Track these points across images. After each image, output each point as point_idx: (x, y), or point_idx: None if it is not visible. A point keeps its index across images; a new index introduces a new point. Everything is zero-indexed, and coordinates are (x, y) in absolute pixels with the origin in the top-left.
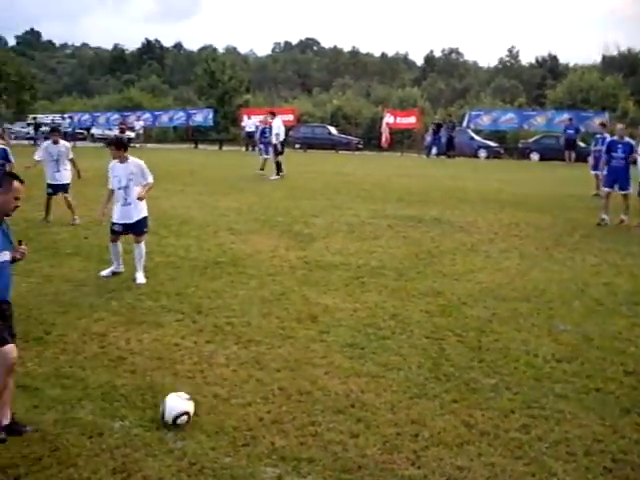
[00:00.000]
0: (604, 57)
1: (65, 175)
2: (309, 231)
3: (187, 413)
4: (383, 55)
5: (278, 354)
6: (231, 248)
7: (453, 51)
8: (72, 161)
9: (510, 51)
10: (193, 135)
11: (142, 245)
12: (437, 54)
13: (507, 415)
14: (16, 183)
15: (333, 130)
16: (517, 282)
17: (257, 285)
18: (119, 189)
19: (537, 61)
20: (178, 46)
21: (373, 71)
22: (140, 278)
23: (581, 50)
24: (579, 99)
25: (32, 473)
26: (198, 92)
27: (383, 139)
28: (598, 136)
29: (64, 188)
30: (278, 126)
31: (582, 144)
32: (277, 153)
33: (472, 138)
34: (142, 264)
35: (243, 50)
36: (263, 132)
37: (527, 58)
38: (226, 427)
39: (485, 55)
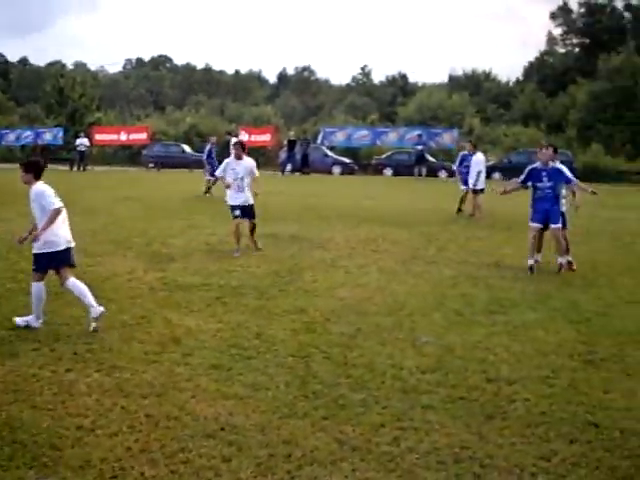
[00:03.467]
0: (450, 77)
1: None
2: (167, 251)
3: None
4: (236, 72)
5: (143, 379)
6: (86, 272)
7: (306, 69)
8: None
9: (363, 69)
10: (42, 154)
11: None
12: (290, 72)
13: (377, 429)
14: None
15: (187, 149)
16: (378, 297)
17: (117, 309)
18: None
19: (388, 79)
20: (24, 61)
21: (227, 89)
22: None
23: (429, 70)
24: (428, 116)
25: None
26: (46, 110)
27: None
28: (462, 153)
29: None
30: None
31: (432, 159)
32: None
33: (326, 155)
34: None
35: (93, 66)
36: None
37: (379, 76)
38: (92, 460)
39: (338, 73)
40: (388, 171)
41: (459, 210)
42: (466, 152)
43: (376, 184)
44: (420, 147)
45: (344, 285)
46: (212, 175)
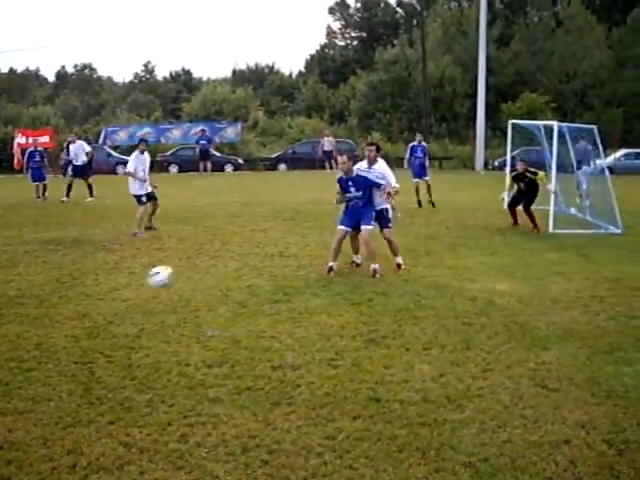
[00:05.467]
0: (234, 71)
1: None
2: None
3: None
4: (11, 71)
5: None
6: None
7: (87, 67)
8: None
9: (146, 66)
10: None
11: None
12: (70, 70)
13: (165, 428)
14: None
15: None
16: (163, 295)
17: None
18: None
19: (171, 75)
20: None
21: (1, 88)
22: None
23: (214, 65)
24: (213, 111)
25: None
26: None
27: (15, 161)
28: (412, 145)
29: None
30: None
31: (217, 153)
32: None
33: (110, 155)
34: None
35: None
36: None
37: (162, 73)
38: None
39: (120, 70)
40: (174, 168)
41: (419, 203)
42: (415, 143)
43: (162, 181)
44: (204, 142)
45: (128, 286)
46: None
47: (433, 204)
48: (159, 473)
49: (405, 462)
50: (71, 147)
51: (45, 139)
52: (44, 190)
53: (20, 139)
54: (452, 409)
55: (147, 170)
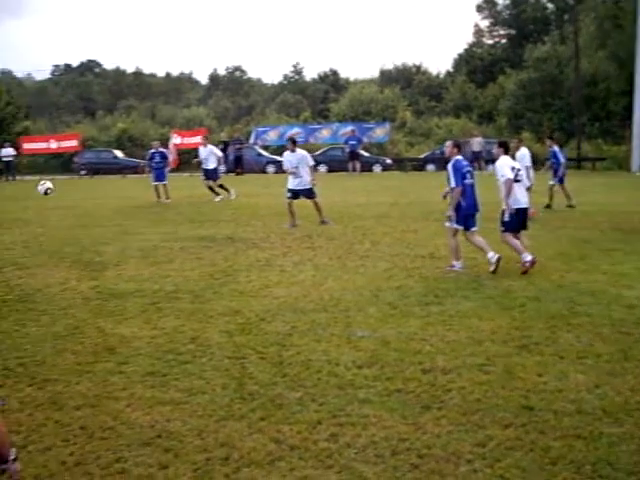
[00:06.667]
0: (382, 71)
1: None
2: (100, 259)
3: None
4: (167, 75)
5: (76, 391)
6: (18, 284)
7: (237, 69)
8: None
9: (295, 67)
10: None
11: None
12: (221, 72)
13: (315, 426)
14: None
15: (119, 154)
16: (313, 294)
17: (49, 321)
18: None
19: (320, 76)
20: None
21: (158, 91)
22: None
23: (361, 65)
24: (361, 111)
25: None
26: None
27: (171, 160)
28: (551, 149)
29: None
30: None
31: (366, 154)
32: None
33: (260, 154)
34: None
35: (20, 74)
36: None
37: (310, 74)
38: (26, 478)
39: (269, 72)
40: (322, 167)
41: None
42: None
43: None
44: (354, 142)
45: (279, 284)
46: (158, 180)
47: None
48: (308, 471)
49: (558, 475)
50: (201, 150)
51: (198, 139)
52: (165, 191)
53: (175, 139)
54: (609, 422)
55: (302, 167)
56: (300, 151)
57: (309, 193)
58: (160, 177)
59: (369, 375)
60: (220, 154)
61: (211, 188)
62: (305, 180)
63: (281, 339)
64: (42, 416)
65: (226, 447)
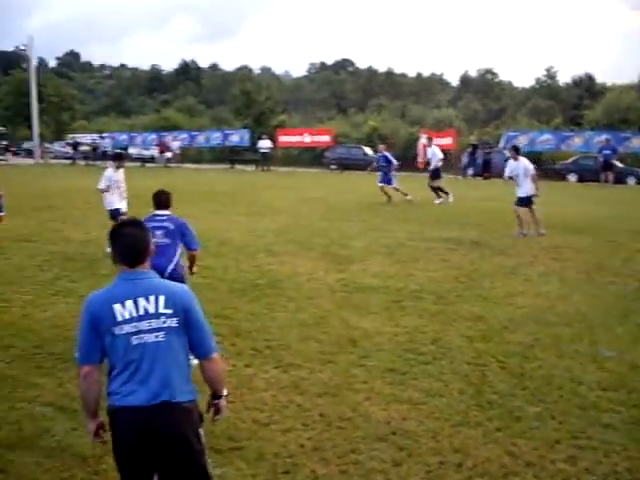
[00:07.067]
0: None
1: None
2: (347, 253)
3: None
4: (418, 75)
5: (318, 379)
6: (269, 270)
7: (488, 71)
8: None
9: (548, 70)
10: (230, 155)
11: None
12: (472, 74)
13: (552, 445)
14: None
15: (368, 151)
16: (558, 306)
17: (296, 308)
18: None
19: (574, 81)
20: (214, 67)
21: (408, 91)
22: None
23: (618, 70)
24: (617, 119)
25: None
26: (234, 112)
27: (419, 160)
28: None
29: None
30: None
31: (620, 165)
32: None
33: (508, 159)
34: None
35: (278, 71)
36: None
37: (564, 78)
38: (266, 454)
39: (520, 75)
40: (572, 177)
41: None
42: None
43: (559, 190)
44: (608, 152)
45: (523, 293)
46: (385, 182)
47: None
48: None
49: None
50: (427, 151)
51: (447, 141)
52: (397, 191)
53: (424, 140)
54: None
55: (522, 176)
56: (522, 159)
57: (527, 202)
58: (385, 179)
59: (614, 399)
60: (441, 155)
61: (435, 189)
62: (525, 188)
63: (523, 350)
64: (285, 398)
65: (460, 453)
